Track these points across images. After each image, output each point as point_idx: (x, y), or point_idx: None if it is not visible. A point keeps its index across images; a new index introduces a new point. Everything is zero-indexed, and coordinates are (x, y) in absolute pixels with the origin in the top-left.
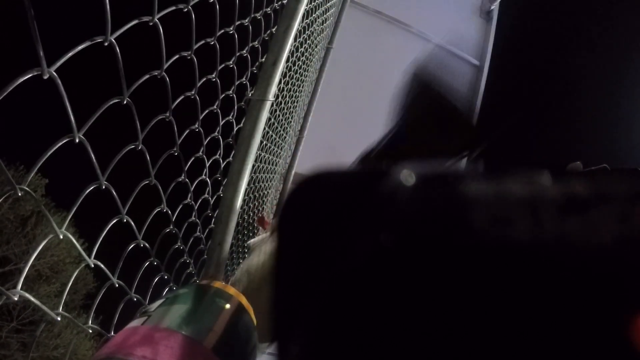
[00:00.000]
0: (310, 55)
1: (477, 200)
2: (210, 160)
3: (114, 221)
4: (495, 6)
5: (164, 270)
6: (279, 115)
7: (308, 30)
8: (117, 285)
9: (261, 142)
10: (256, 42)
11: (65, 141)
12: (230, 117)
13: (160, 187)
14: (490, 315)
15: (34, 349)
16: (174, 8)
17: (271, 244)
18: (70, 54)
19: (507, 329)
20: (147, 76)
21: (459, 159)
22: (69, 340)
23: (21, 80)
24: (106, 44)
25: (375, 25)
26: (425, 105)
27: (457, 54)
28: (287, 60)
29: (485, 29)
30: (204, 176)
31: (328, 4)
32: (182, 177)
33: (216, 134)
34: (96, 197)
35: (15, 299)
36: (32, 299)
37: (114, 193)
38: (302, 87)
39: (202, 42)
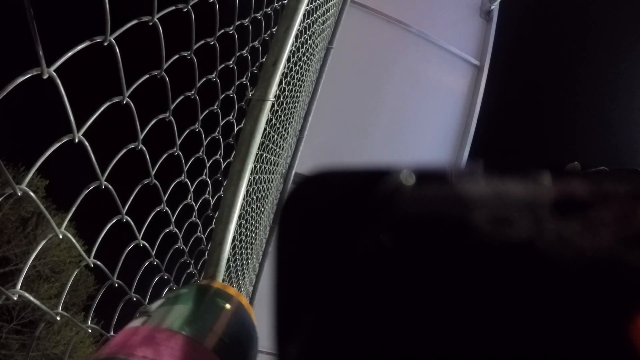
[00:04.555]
0: (311, 55)
1: (477, 200)
2: (211, 161)
3: (114, 221)
4: (495, 6)
5: (164, 270)
6: (280, 115)
7: (309, 30)
8: (116, 285)
9: (262, 142)
10: (256, 42)
11: (64, 141)
12: (231, 117)
13: (160, 187)
14: (490, 315)
15: (34, 347)
16: (173, 8)
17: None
18: (69, 54)
19: (507, 329)
20: (146, 76)
21: None
22: (70, 338)
23: (21, 80)
24: (106, 43)
25: (375, 25)
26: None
27: (457, 54)
28: (288, 61)
29: (485, 29)
30: (204, 176)
31: (328, 4)
32: (182, 178)
33: (216, 134)
34: (96, 197)
35: (15, 298)
36: (31, 298)
37: (114, 193)
38: (303, 87)
39: (202, 42)
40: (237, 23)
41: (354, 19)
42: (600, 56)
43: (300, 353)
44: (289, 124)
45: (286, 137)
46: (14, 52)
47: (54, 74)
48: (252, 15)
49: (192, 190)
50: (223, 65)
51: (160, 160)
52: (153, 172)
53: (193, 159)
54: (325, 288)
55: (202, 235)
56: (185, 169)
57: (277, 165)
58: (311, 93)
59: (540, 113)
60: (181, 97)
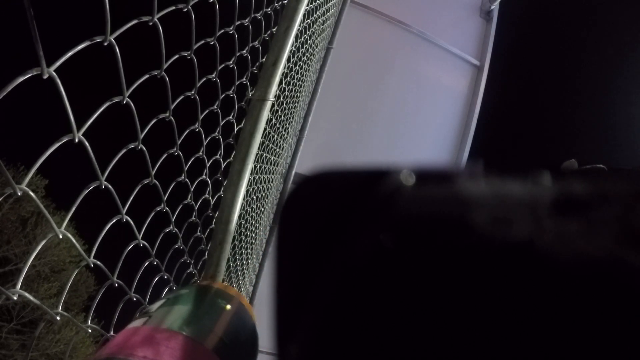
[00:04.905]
0: (311, 55)
1: (477, 200)
2: (211, 161)
3: (114, 221)
4: (495, 6)
5: (164, 270)
6: (280, 115)
7: (309, 30)
8: (116, 285)
9: (262, 142)
10: (256, 42)
11: (64, 141)
12: (231, 117)
13: (160, 187)
14: (490, 315)
15: (33, 347)
16: (173, 8)
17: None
18: (69, 54)
19: (507, 329)
20: (146, 76)
21: None
22: (69, 338)
23: (21, 80)
24: (106, 43)
25: (375, 25)
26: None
27: (457, 54)
28: (288, 61)
29: (485, 29)
30: (204, 176)
31: (328, 4)
32: (182, 177)
33: (216, 134)
34: (96, 197)
35: (15, 298)
36: (31, 298)
37: (114, 193)
38: (303, 87)
39: (202, 42)
40: (237, 23)
41: (354, 19)
42: (600, 56)
43: (300, 353)
44: (289, 124)
45: (286, 137)
46: (14, 52)
47: (54, 74)
48: (252, 15)
49: (192, 190)
50: (223, 65)
51: (160, 160)
52: (153, 172)
53: (193, 159)
54: (325, 288)
55: (202, 235)
56: (185, 169)
57: (277, 165)
58: (311, 93)
59: (540, 113)
60: (181, 97)
